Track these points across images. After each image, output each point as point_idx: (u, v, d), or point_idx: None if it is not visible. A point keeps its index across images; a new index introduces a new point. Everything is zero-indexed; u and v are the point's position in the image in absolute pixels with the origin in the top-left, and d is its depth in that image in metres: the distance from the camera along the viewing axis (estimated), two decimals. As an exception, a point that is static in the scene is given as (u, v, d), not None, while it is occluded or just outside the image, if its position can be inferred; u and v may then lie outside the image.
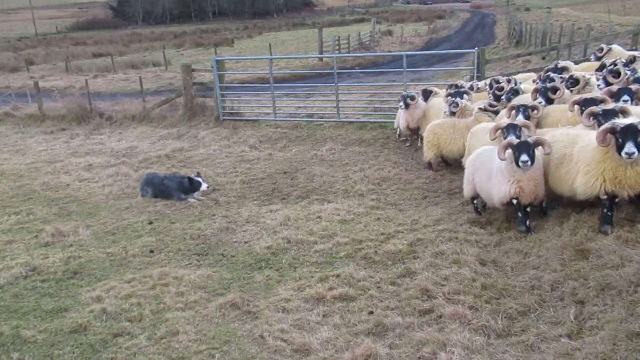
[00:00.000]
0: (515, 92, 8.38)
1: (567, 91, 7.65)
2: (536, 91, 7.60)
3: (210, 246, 6.84)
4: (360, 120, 13.23)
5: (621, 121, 4.98)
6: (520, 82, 9.08)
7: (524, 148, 5.56)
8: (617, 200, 5.18)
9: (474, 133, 7.73)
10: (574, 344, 3.83)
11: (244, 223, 7.50)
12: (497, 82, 9.13)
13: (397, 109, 10.76)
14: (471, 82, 10.62)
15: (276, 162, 10.93)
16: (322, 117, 13.76)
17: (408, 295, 5.01)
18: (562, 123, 6.74)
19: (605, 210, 5.19)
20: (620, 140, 4.84)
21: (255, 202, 8.56)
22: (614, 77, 7.30)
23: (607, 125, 4.98)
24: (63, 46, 52.46)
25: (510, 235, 6.04)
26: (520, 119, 6.71)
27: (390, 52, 30.52)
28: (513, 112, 7.05)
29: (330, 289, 5.28)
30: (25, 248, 7.12)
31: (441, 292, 4.93)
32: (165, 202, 8.73)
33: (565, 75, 8.27)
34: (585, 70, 8.99)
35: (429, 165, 9.34)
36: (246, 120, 14.24)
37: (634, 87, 6.49)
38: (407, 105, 10.20)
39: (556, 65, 9.43)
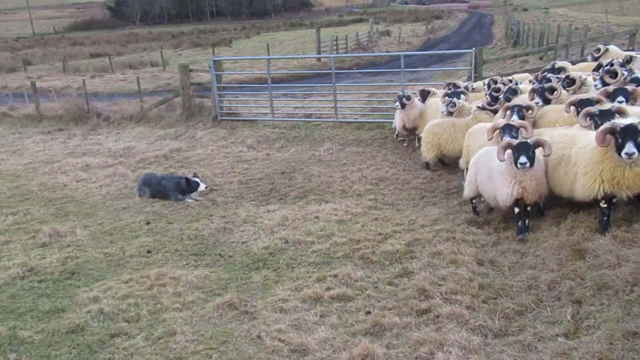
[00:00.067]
0: (514, 92, 8.39)
1: (564, 91, 7.66)
2: (533, 91, 7.61)
3: (207, 246, 6.84)
4: (358, 120, 13.24)
5: (621, 121, 4.96)
6: (520, 82, 9.09)
7: (523, 149, 5.49)
8: (614, 200, 5.18)
9: (471, 133, 7.73)
10: (571, 343, 3.84)
11: (242, 223, 7.50)
12: (495, 82, 9.14)
13: (394, 109, 10.77)
14: (466, 83, 10.61)
15: (274, 162, 10.93)
16: (319, 117, 13.76)
17: (405, 295, 5.01)
18: (559, 123, 6.75)
19: (604, 218, 5.18)
20: (620, 140, 4.82)
21: (253, 202, 8.56)
22: (611, 77, 7.31)
23: (606, 125, 4.96)
24: (60, 46, 52.36)
25: (507, 235, 6.05)
26: (515, 119, 6.72)
27: (388, 52, 30.53)
28: (508, 112, 7.06)
29: (328, 289, 5.28)
30: (22, 248, 7.11)
31: (438, 292, 4.94)
32: (163, 203, 8.73)
33: (562, 76, 8.29)
34: (582, 71, 9.01)
35: (427, 166, 9.35)
36: (244, 120, 14.23)
37: (630, 87, 6.51)
38: (403, 105, 10.22)
39: (553, 65, 9.46)
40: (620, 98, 6.25)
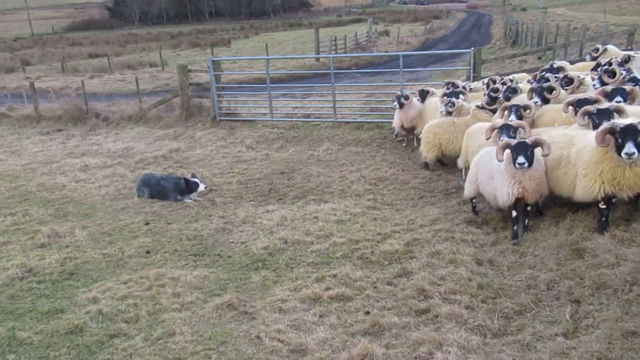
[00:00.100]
0: (514, 91, 8.39)
1: (563, 91, 7.67)
2: (532, 91, 7.62)
3: (206, 247, 6.84)
4: (357, 120, 13.23)
5: (621, 121, 4.94)
6: (520, 82, 9.09)
7: (522, 149, 5.46)
8: (613, 200, 5.17)
9: (470, 133, 7.73)
10: (570, 342, 3.85)
11: (241, 223, 7.50)
12: (494, 82, 9.15)
13: (394, 109, 10.78)
14: (463, 83, 10.60)
15: (273, 162, 10.92)
16: (318, 118, 13.76)
17: (404, 295, 5.02)
18: (557, 123, 6.75)
19: (603, 218, 5.17)
20: (620, 140, 4.80)
21: (252, 202, 8.56)
22: (609, 76, 7.32)
23: (606, 125, 4.94)
24: (59, 47, 52.28)
25: (506, 234, 6.05)
26: (513, 119, 6.73)
27: (386, 52, 30.52)
28: (506, 112, 7.07)
29: (327, 289, 5.29)
30: (21, 249, 7.10)
31: (437, 291, 4.94)
32: (162, 203, 8.72)
33: (560, 75, 8.29)
34: (581, 70, 9.02)
35: (426, 166, 9.35)
36: (243, 120, 14.23)
37: (628, 87, 6.51)
38: (401, 105, 10.23)
39: (552, 65, 9.46)
40: (618, 98, 6.25)
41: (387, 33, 44.47)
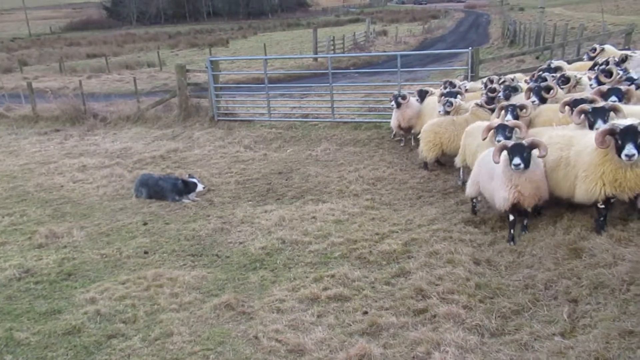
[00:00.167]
0: (514, 89, 8.39)
1: (560, 90, 7.68)
2: (530, 90, 7.63)
3: (204, 247, 6.84)
4: (355, 120, 13.23)
5: (621, 122, 4.89)
6: (520, 81, 9.10)
7: (518, 150, 5.36)
8: (612, 201, 5.15)
9: (469, 132, 7.72)
10: (567, 342, 3.86)
11: (239, 224, 7.50)
12: (492, 82, 9.15)
13: (391, 109, 10.78)
14: (460, 84, 10.60)
15: (271, 162, 10.92)
16: (316, 118, 13.76)
17: (402, 295, 5.02)
18: (554, 122, 6.75)
19: (600, 218, 5.17)
20: (619, 141, 4.76)
21: (250, 202, 8.56)
22: (606, 76, 7.33)
23: (606, 126, 4.92)
24: (57, 47, 52.20)
25: (504, 234, 6.06)
26: (509, 119, 6.73)
27: (384, 52, 30.52)
28: (502, 112, 7.07)
29: (325, 289, 5.29)
30: (18, 249, 7.09)
31: (435, 291, 4.95)
32: (160, 203, 8.71)
33: (558, 75, 8.30)
34: (578, 70, 9.04)
35: (425, 165, 9.35)
36: (241, 120, 14.22)
37: (623, 87, 6.52)
38: (398, 105, 10.24)
39: (549, 64, 9.48)
40: (614, 98, 6.26)
41: (385, 33, 44.51)
